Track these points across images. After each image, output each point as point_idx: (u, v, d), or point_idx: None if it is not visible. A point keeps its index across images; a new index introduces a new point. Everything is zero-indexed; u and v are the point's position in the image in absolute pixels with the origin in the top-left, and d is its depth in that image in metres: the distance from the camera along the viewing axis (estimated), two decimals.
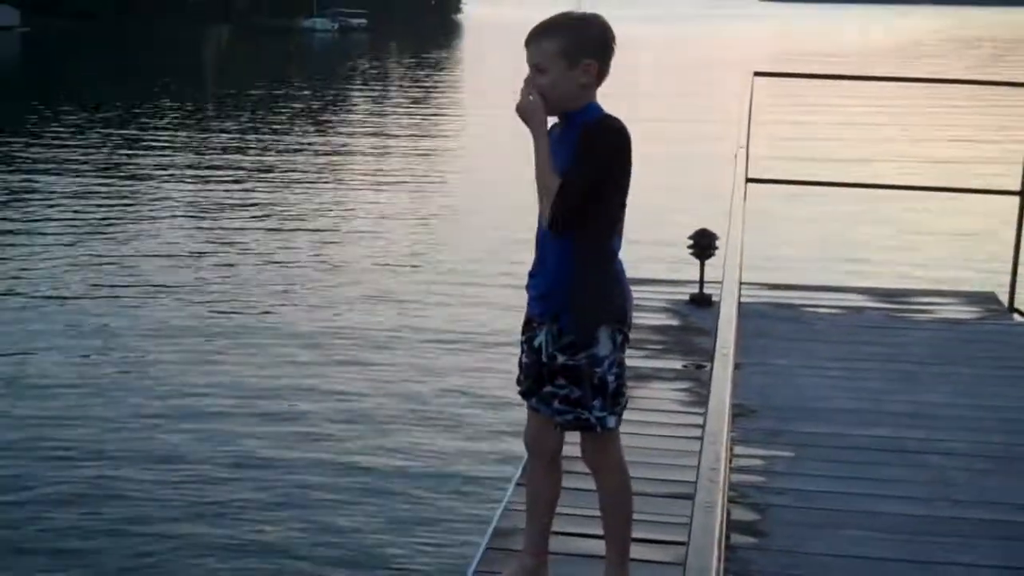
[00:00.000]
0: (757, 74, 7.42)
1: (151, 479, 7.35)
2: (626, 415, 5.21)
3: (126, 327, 10.53)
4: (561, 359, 3.27)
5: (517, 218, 13.94)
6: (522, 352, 3.41)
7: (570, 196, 3.12)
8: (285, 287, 12.07)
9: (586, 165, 3.11)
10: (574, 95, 3.15)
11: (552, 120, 3.24)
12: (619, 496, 3.47)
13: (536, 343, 3.33)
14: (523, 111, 3.19)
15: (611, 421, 3.31)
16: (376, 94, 38.72)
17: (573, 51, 3.11)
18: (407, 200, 17.64)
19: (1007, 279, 7.33)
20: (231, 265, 12.97)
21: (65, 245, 13.76)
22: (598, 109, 3.19)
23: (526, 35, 3.20)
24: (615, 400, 3.30)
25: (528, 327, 3.38)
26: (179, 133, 25.49)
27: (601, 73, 3.16)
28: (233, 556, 6.40)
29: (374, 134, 26.67)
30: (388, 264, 13.26)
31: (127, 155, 21.72)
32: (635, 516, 3.54)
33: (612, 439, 3.39)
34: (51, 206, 16.30)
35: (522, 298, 3.41)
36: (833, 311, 7.19)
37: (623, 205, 3.24)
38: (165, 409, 8.53)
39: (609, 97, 3.21)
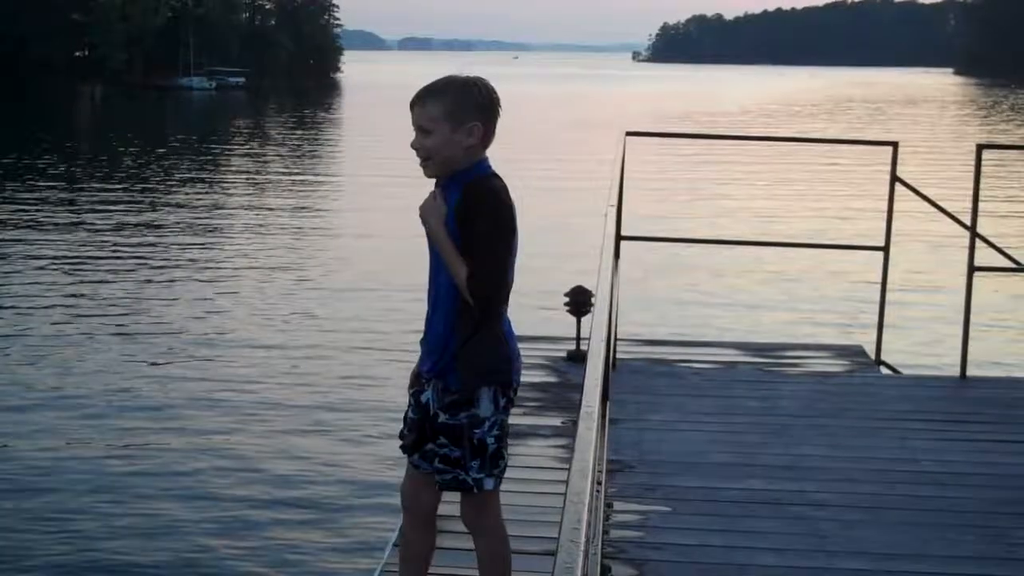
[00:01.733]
0: (629, 134, 7.53)
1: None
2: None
3: None
4: (443, 417, 3.25)
5: (401, 271, 13.96)
6: (409, 407, 3.38)
7: (491, 275, 3.13)
8: (159, 340, 11.81)
9: (486, 242, 3.12)
10: (459, 157, 3.17)
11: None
12: (496, 558, 3.43)
13: (423, 399, 3.30)
14: (423, 213, 3.23)
15: (489, 483, 3.28)
16: (254, 151, 38.35)
17: (458, 113, 3.13)
18: (287, 253, 17.53)
19: (874, 333, 7.52)
20: (96, 316, 12.67)
21: None
22: (484, 168, 3.21)
23: (412, 97, 3.21)
24: (494, 462, 3.27)
25: (416, 381, 3.36)
26: (51, 190, 24.85)
27: (486, 135, 3.18)
28: None
29: (253, 190, 26.44)
30: (267, 316, 13.15)
31: None
32: None
33: (490, 501, 3.35)
34: None
35: (410, 351, 3.39)
36: (708, 366, 7.28)
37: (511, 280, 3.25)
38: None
39: (490, 153, 3.23)
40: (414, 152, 3.22)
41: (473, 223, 3.12)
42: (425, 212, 3.23)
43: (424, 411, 3.29)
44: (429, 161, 3.19)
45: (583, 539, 1.52)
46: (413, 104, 3.20)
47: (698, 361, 7.40)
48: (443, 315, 3.24)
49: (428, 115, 3.15)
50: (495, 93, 3.24)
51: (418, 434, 3.33)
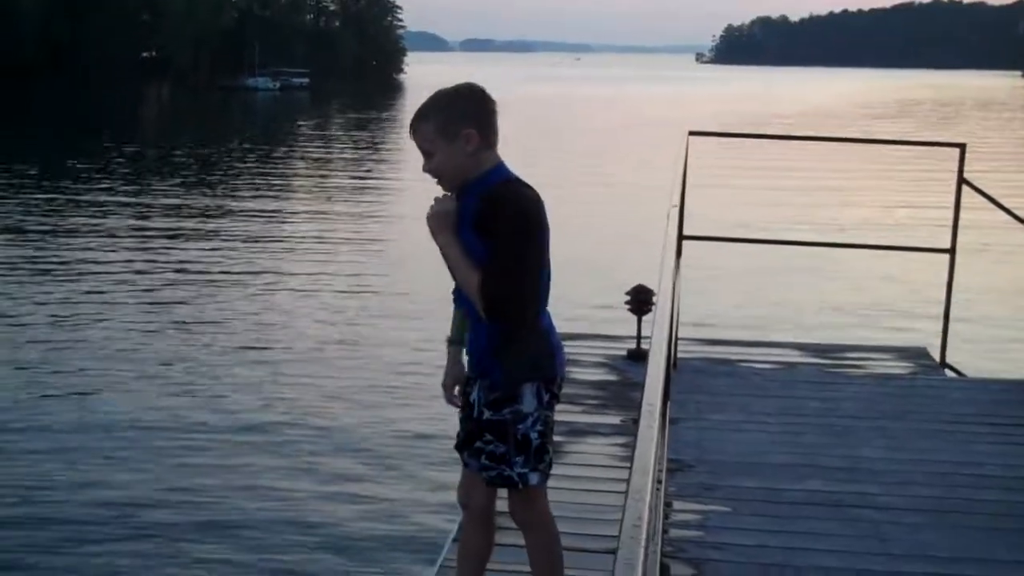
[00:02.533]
0: (692, 133, 7.51)
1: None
2: (563, 471, 5.24)
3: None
4: (488, 414, 3.28)
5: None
6: (461, 407, 3.43)
7: (503, 281, 3.12)
8: (223, 348, 11.97)
9: (501, 249, 3.11)
10: (467, 166, 3.19)
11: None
12: (547, 553, 3.45)
13: (471, 398, 3.34)
14: (431, 221, 3.25)
15: (534, 478, 3.30)
16: (318, 154, 38.66)
17: (449, 127, 3.17)
18: (351, 255, 17.64)
19: (938, 336, 7.43)
20: (171, 324, 12.86)
21: None
22: (499, 174, 3.22)
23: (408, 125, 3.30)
24: (539, 457, 3.29)
25: (467, 383, 3.40)
26: (117, 194, 25.21)
27: (486, 137, 3.20)
28: None
29: (317, 193, 26.66)
30: (332, 322, 13.24)
31: (65, 215, 21.46)
32: (568, 573, 3.52)
33: (537, 496, 3.37)
34: None
35: None
36: (769, 366, 7.24)
37: (545, 267, 3.24)
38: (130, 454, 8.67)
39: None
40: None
41: (492, 232, 3.13)
42: (432, 219, 3.25)
43: (472, 409, 3.34)
44: (442, 180, 3.25)
45: (644, 536, 1.53)
46: (410, 131, 3.28)
47: (759, 361, 7.36)
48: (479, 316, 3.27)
49: (424, 137, 3.21)
50: (482, 93, 3.25)
51: (467, 432, 3.37)
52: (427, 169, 3.25)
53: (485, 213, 3.14)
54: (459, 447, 3.43)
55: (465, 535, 3.58)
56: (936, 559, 4.35)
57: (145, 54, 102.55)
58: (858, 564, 4.30)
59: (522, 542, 3.56)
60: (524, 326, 3.20)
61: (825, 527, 4.63)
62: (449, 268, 3.25)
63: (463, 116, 3.18)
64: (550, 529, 3.44)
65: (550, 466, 3.36)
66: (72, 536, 7.17)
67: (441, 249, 3.25)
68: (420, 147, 3.24)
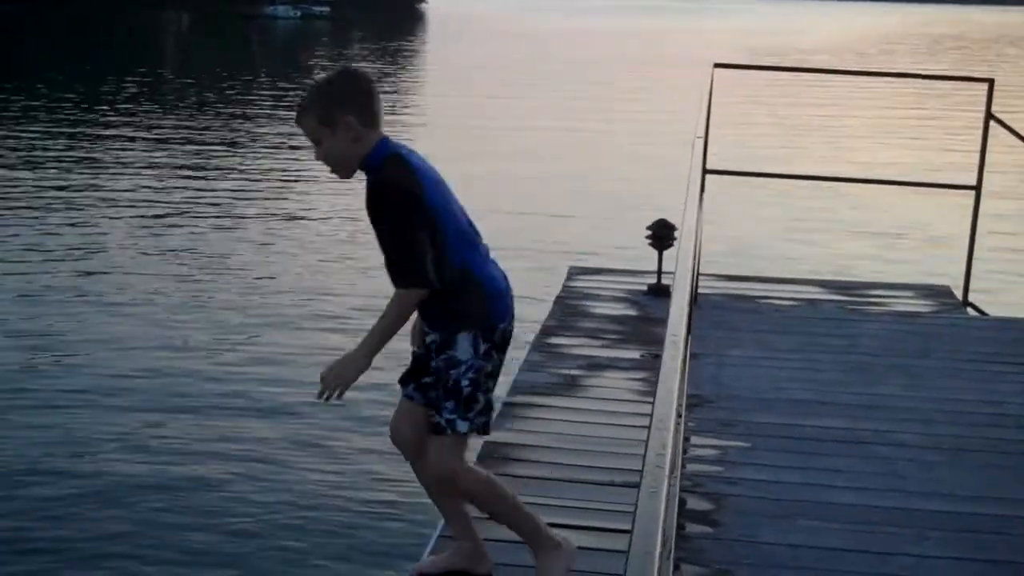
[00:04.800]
0: (717, 65, 7.43)
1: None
2: (583, 404, 5.27)
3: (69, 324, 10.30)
4: (432, 361, 3.39)
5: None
6: (420, 347, 3.53)
7: (391, 269, 3.27)
8: (243, 289, 11.70)
9: (380, 235, 3.27)
10: (352, 152, 3.28)
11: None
12: (484, 497, 3.49)
13: (428, 340, 3.43)
14: (334, 383, 3.28)
15: (462, 426, 3.35)
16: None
17: (327, 116, 3.25)
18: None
19: (962, 274, 7.39)
20: (188, 256, 12.75)
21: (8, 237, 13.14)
22: (377, 153, 3.28)
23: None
24: (468, 406, 3.34)
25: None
26: (136, 126, 24.95)
27: (366, 120, 3.27)
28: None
29: None
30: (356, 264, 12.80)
31: (82, 147, 21.28)
32: (585, 504, 3.56)
33: (458, 445, 3.41)
34: None
35: None
36: (790, 303, 7.22)
37: (455, 231, 3.31)
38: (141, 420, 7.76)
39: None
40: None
41: (376, 223, 3.26)
42: (334, 381, 3.28)
43: (427, 350, 3.43)
44: (335, 168, 3.34)
45: (668, 465, 1.53)
46: (297, 124, 3.37)
47: (780, 298, 7.34)
48: None
49: (308, 129, 3.30)
50: (356, 77, 3.34)
51: (416, 367, 3.48)
52: (318, 157, 3.33)
53: (368, 206, 3.27)
54: (403, 379, 3.51)
55: (419, 478, 3.63)
56: (954, 497, 4.36)
57: None
58: (875, 501, 4.31)
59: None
60: (440, 286, 3.26)
61: (843, 464, 4.64)
62: (386, 330, 3.29)
63: (338, 104, 3.25)
64: (474, 476, 3.46)
65: (483, 419, 3.39)
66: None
67: (372, 347, 3.29)
68: (309, 138, 3.33)
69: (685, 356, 2.26)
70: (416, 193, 3.22)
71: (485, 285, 3.34)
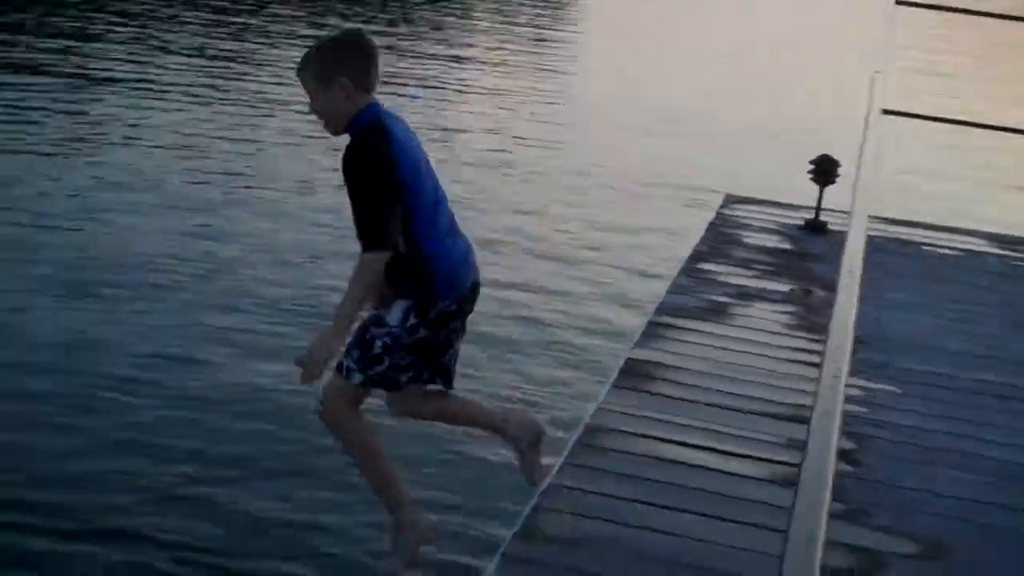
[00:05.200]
0: (899, 2, 7.20)
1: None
2: (727, 332, 5.29)
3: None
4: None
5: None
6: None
7: (365, 227, 3.39)
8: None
9: (355, 197, 3.38)
10: (343, 110, 3.44)
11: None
12: (354, 448, 3.64)
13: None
14: (312, 366, 3.43)
15: (356, 377, 3.50)
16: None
17: (324, 76, 3.42)
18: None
19: None
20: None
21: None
22: (364, 116, 3.43)
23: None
24: (370, 364, 3.48)
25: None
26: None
27: (360, 83, 3.42)
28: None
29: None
30: None
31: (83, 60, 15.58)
32: (737, 432, 3.54)
33: (349, 391, 3.52)
34: None
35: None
36: (955, 252, 7.05)
37: (419, 207, 3.43)
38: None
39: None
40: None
41: (348, 186, 3.38)
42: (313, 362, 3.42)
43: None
44: (327, 124, 3.50)
45: (842, 388, 1.56)
46: (297, 75, 3.51)
47: (945, 246, 7.17)
48: None
49: (306, 84, 3.46)
50: (360, 43, 3.48)
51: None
52: (311, 110, 3.50)
53: (342, 169, 3.38)
54: None
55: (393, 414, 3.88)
56: None
57: None
58: (1020, 458, 4.23)
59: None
60: (395, 251, 3.38)
61: (995, 418, 4.56)
62: (354, 297, 3.42)
63: (335, 66, 3.41)
64: (344, 431, 3.60)
65: (377, 379, 3.52)
66: None
67: (344, 317, 3.43)
68: (306, 91, 3.48)
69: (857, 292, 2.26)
70: (387, 165, 3.36)
71: (434, 261, 3.48)
